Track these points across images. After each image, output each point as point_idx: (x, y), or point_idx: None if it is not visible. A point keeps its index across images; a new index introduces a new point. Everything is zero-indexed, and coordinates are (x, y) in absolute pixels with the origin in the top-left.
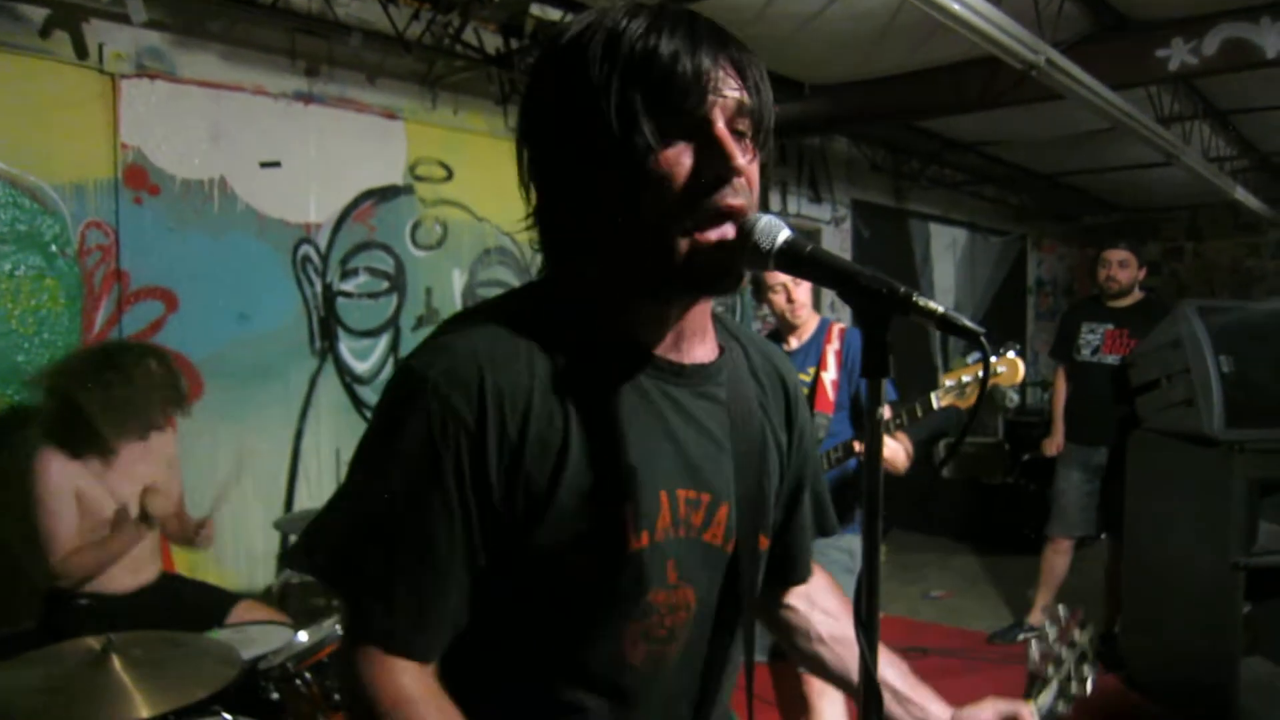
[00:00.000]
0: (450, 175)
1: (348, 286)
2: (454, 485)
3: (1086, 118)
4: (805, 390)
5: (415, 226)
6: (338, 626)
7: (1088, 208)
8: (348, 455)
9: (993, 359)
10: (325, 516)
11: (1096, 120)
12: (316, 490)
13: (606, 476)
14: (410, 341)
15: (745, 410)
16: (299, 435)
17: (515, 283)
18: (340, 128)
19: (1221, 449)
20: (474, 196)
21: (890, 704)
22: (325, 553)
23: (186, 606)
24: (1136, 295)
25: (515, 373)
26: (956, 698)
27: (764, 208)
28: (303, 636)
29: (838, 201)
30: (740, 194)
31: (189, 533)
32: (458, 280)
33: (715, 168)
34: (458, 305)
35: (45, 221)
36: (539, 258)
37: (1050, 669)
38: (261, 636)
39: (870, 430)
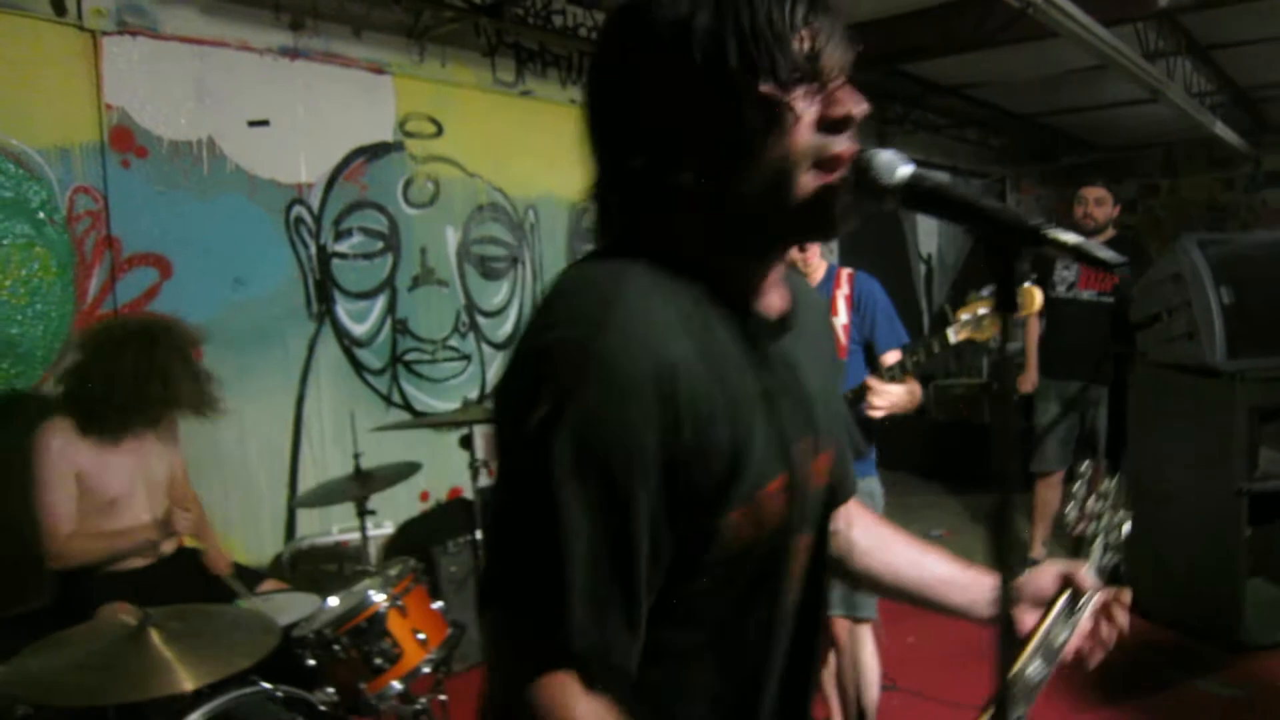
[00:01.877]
0: (440, 131)
1: (342, 247)
2: (647, 475)
3: (1071, 57)
4: None
5: (407, 184)
6: (371, 592)
7: (1065, 148)
8: (351, 419)
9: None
10: (509, 546)
11: (1081, 59)
12: (320, 457)
13: (756, 439)
14: (407, 302)
15: (820, 352)
16: (300, 401)
17: (509, 239)
18: (327, 84)
19: (1224, 379)
20: (464, 152)
21: (951, 594)
22: (520, 575)
23: (202, 582)
24: (1110, 233)
25: (673, 341)
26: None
27: None
28: (333, 601)
29: None
30: (854, 139)
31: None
32: (451, 238)
33: (835, 114)
34: (452, 264)
35: (31, 188)
36: (531, 213)
37: (1092, 526)
38: (289, 604)
39: (1003, 368)
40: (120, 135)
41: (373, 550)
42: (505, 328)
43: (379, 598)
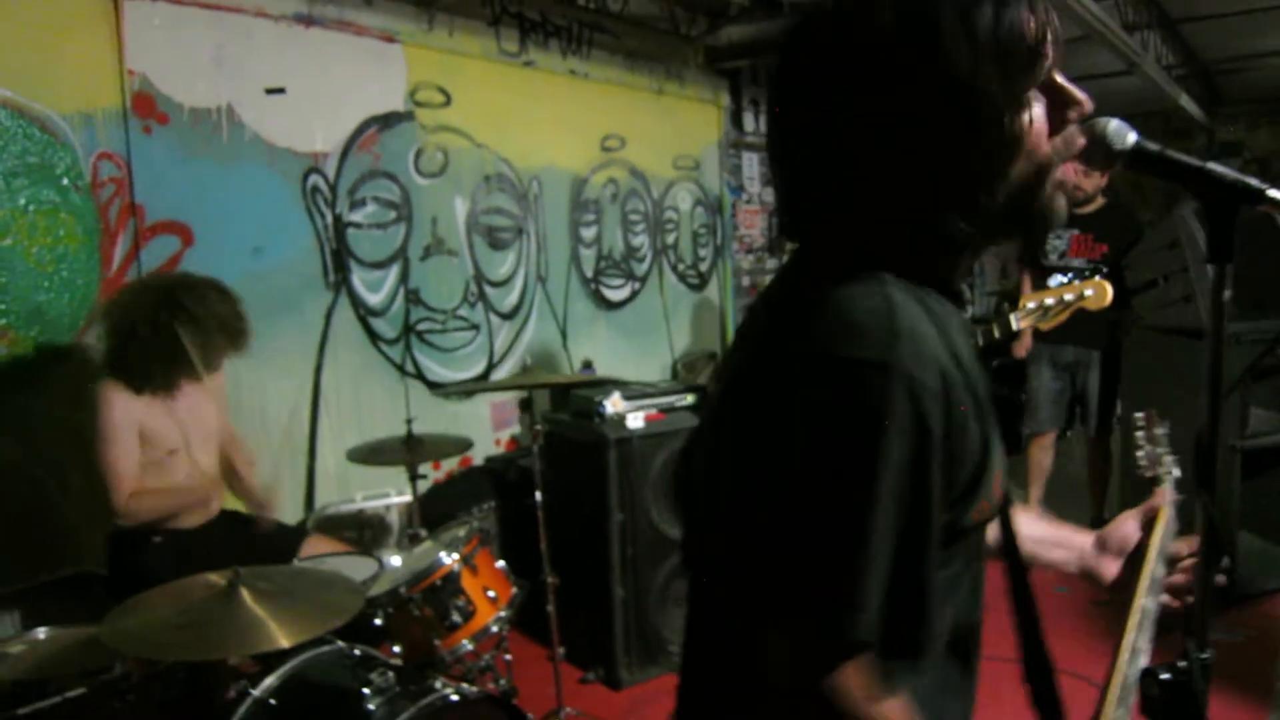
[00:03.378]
0: (449, 100)
1: (357, 217)
2: (939, 482)
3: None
4: None
5: (418, 154)
6: (443, 553)
7: None
8: (367, 390)
9: (1079, 282)
10: (800, 546)
11: (1064, 29)
12: (337, 426)
13: (993, 432)
14: (419, 272)
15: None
16: (318, 370)
17: (515, 210)
18: (341, 52)
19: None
20: (472, 122)
21: (1042, 551)
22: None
23: (257, 542)
24: (1100, 201)
25: (938, 348)
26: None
27: (740, 130)
28: (395, 561)
29: None
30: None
31: (259, 494)
32: (460, 208)
33: (1067, 112)
34: (462, 234)
35: (56, 153)
36: (535, 184)
37: (1163, 462)
38: (349, 567)
39: (1214, 316)
40: (142, 101)
41: (395, 518)
42: (511, 298)
43: (451, 557)
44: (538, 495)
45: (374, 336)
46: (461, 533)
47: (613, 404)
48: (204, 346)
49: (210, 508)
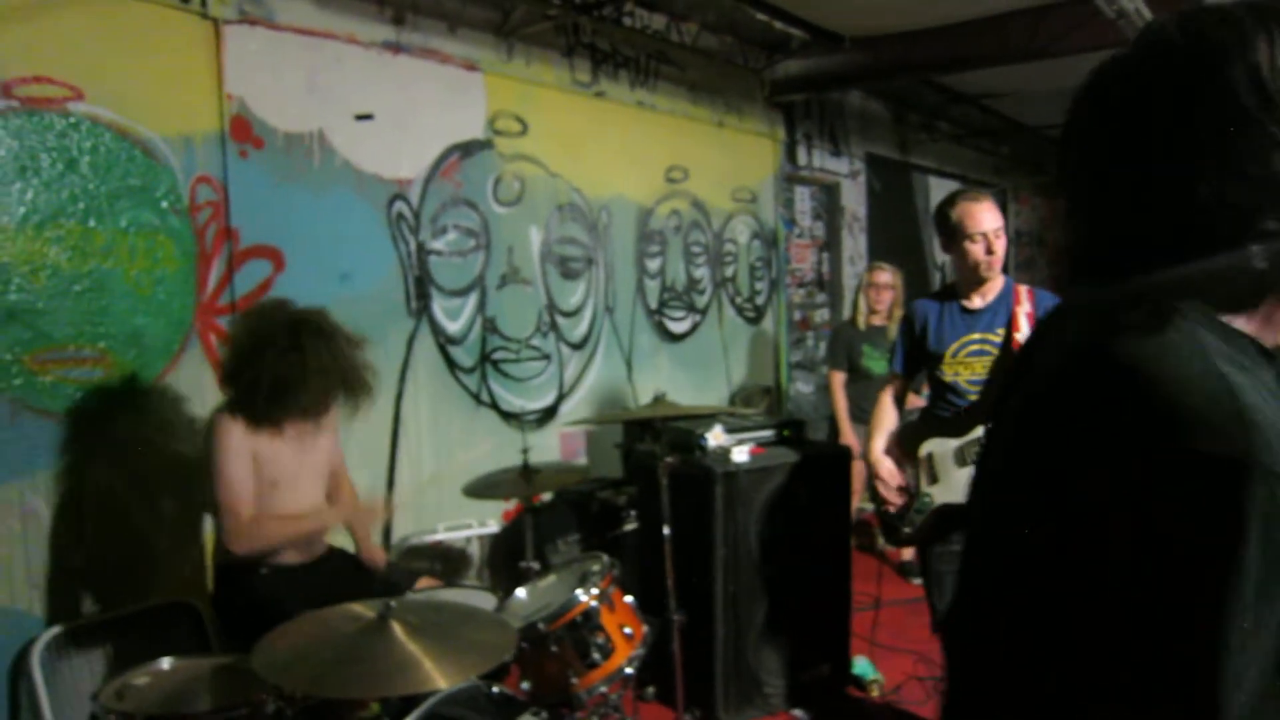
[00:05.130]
0: (525, 129)
1: (438, 244)
2: None
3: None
4: (995, 352)
5: (496, 182)
6: (579, 589)
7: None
8: (444, 418)
9: None
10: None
11: None
12: (415, 454)
13: None
14: (496, 300)
15: None
16: (399, 398)
17: (586, 239)
18: (425, 79)
19: None
20: (547, 151)
21: None
22: None
23: (365, 580)
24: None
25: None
26: None
27: (794, 164)
28: (522, 594)
29: (853, 155)
30: None
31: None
32: (535, 238)
33: None
34: (536, 264)
35: (157, 176)
36: (604, 214)
37: None
38: (472, 600)
39: None
40: (239, 125)
41: (476, 549)
42: (581, 328)
43: (590, 593)
44: (665, 530)
45: (452, 364)
46: (595, 568)
47: (714, 437)
48: (321, 392)
49: (316, 544)
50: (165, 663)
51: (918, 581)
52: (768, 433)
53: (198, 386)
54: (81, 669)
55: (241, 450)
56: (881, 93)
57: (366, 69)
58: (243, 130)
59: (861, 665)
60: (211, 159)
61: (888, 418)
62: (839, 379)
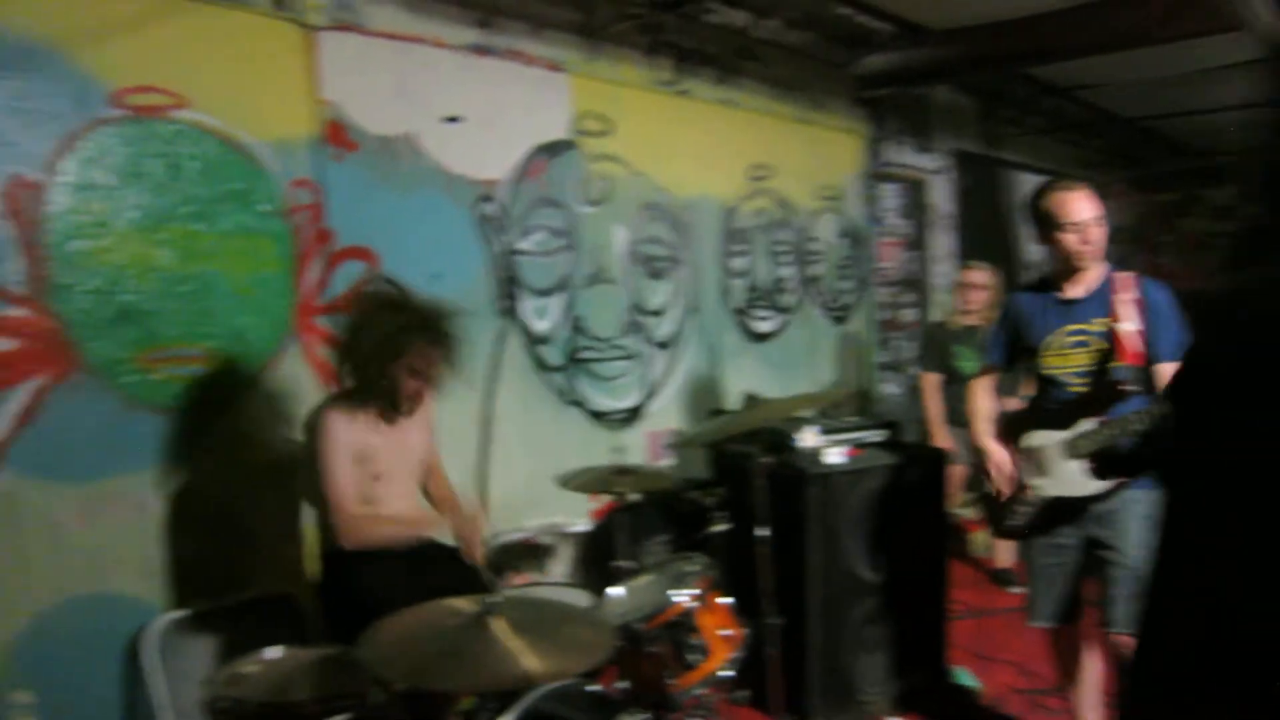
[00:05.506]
0: (610, 129)
1: (526, 244)
2: None
3: (1209, 53)
4: (1096, 342)
5: (582, 182)
6: (676, 590)
7: (1156, 153)
8: (532, 417)
9: None
10: None
11: (1222, 57)
12: (505, 452)
13: None
14: (583, 300)
15: None
16: (489, 397)
17: (671, 238)
18: (511, 81)
19: None
20: (631, 151)
21: None
22: None
23: (462, 571)
24: None
25: None
26: None
27: (879, 161)
28: (617, 593)
29: (941, 151)
30: None
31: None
32: (621, 237)
33: None
34: (622, 263)
35: (257, 180)
36: (688, 212)
37: None
38: (567, 598)
39: None
40: (334, 129)
41: (567, 548)
42: (666, 328)
43: (687, 594)
44: (761, 530)
45: (540, 364)
46: (691, 568)
47: (807, 437)
48: (429, 376)
49: (411, 539)
50: (273, 651)
51: (1015, 590)
52: (868, 434)
53: (296, 384)
54: (189, 655)
55: (347, 446)
56: (969, 86)
57: (454, 71)
58: (337, 134)
59: (961, 675)
60: (308, 163)
61: (987, 405)
62: (931, 381)
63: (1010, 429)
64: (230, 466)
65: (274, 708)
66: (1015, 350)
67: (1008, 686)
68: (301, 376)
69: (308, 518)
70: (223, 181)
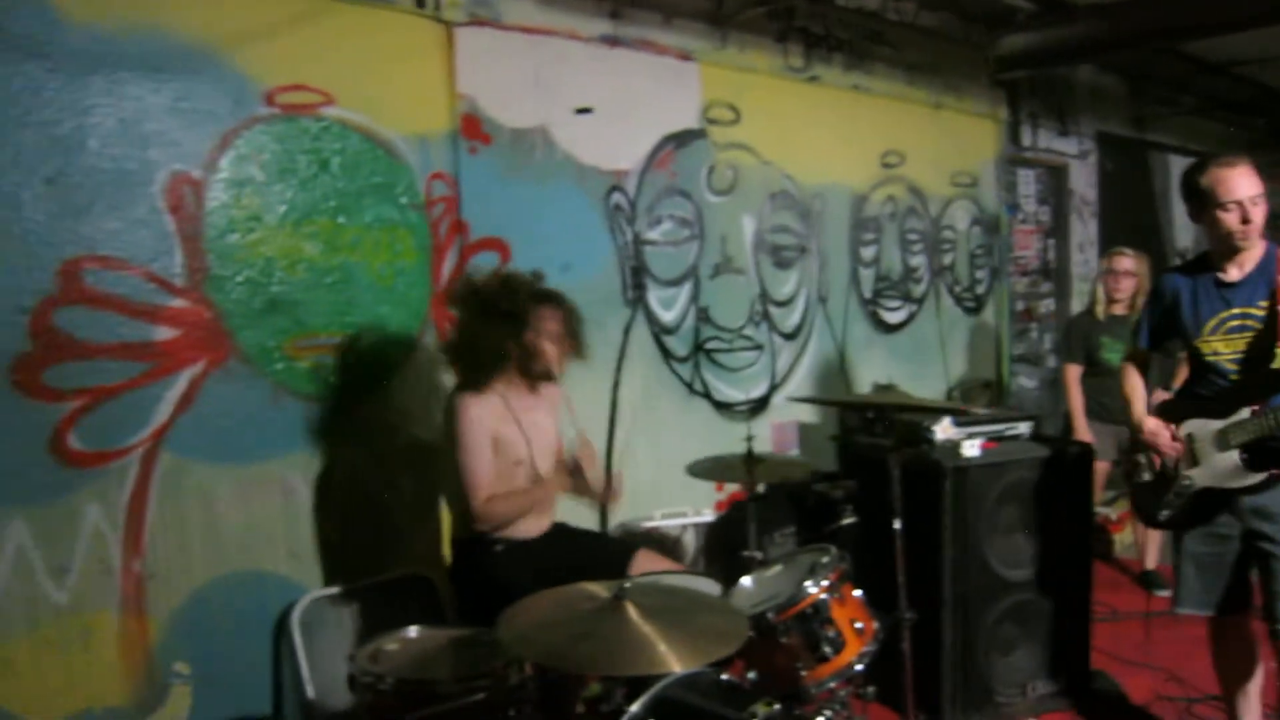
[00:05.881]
0: (738, 117)
1: (654, 234)
2: None
3: None
4: (1256, 326)
5: (710, 171)
6: (808, 581)
7: None
8: (658, 407)
9: None
10: None
11: None
12: (631, 441)
13: None
14: (709, 290)
15: None
16: (616, 386)
17: (799, 228)
18: (641, 71)
19: None
20: (759, 139)
21: None
22: None
23: (588, 554)
24: None
25: None
26: None
27: (1017, 145)
28: (748, 583)
29: (1083, 134)
30: None
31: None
32: (748, 226)
33: None
34: (749, 253)
35: (397, 173)
36: (817, 201)
37: None
38: (697, 586)
39: None
40: (469, 123)
41: (692, 538)
42: (793, 318)
43: (819, 584)
44: (897, 524)
45: (666, 354)
46: (824, 560)
47: (942, 430)
48: (559, 337)
49: (545, 519)
50: (413, 630)
51: (1163, 594)
52: (1007, 426)
53: (432, 373)
54: (332, 632)
55: (480, 431)
56: (1116, 65)
57: (586, 63)
58: (472, 127)
59: (1104, 681)
60: (445, 156)
61: (1141, 387)
62: (1074, 372)
63: (1165, 414)
64: (370, 453)
65: (414, 684)
66: (1166, 334)
67: (1154, 693)
68: (437, 365)
69: (443, 504)
70: (365, 176)
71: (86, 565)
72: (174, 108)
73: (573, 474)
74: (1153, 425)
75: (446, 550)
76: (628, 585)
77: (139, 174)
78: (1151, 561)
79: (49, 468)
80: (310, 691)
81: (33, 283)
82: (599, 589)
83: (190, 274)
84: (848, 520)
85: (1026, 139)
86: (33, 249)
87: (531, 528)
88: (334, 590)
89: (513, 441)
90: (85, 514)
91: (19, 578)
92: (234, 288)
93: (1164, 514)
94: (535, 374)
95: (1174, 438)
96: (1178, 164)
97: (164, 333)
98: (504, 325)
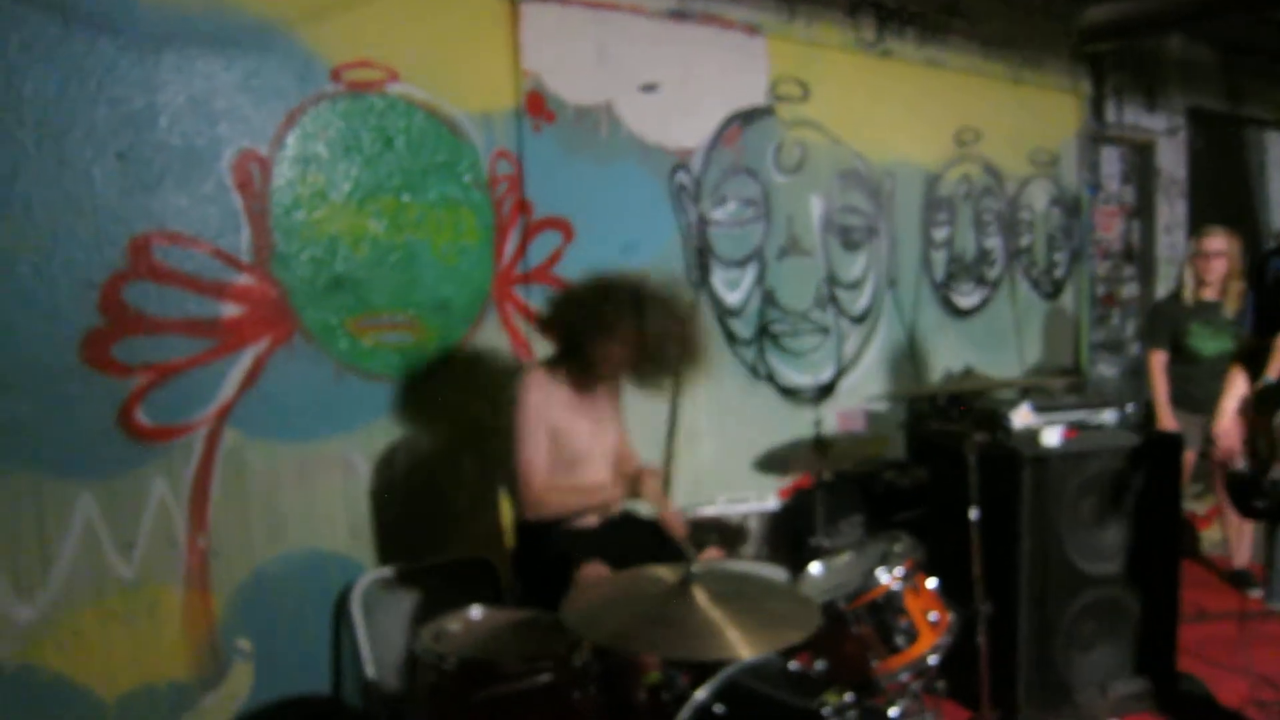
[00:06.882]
0: (807, 94)
1: (718, 214)
2: None
3: None
4: None
5: (777, 150)
6: (881, 569)
7: None
8: (722, 391)
9: None
10: None
11: None
12: (693, 426)
13: None
14: (776, 272)
15: None
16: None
17: (868, 208)
18: (707, 46)
19: None
20: (829, 116)
21: None
22: None
23: (657, 545)
24: None
25: None
26: None
27: (1100, 122)
28: (817, 571)
29: (1172, 110)
30: None
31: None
32: (816, 206)
33: None
34: (816, 234)
35: (460, 152)
36: (888, 180)
37: None
38: (764, 574)
39: None
40: (534, 100)
41: (756, 525)
42: (861, 301)
43: (892, 574)
44: (973, 513)
45: (730, 336)
46: (896, 548)
47: (1021, 417)
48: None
49: (612, 508)
50: (476, 611)
51: (1255, 594)
52: (1089, 414)
53: (494, 352)
54: (392, 612)
55: (538, 420)
56: (1209, 35)
57: (651, 38)
58: (537, 105)
59: (1191, 683)
60: (508, 134)
61: (1240, 378)
62: (1159, 359)
63: (1265, 401)
64: (431, 433)
65: (477, 664)
66: (1272, 317)
67: (1244, 697)
68: (500, 345)
69: (504, 487)
70: (429, 153)
71: (152, 540)
72: (243, 85)
73: (632, 486)
74: (1224, 426)
75: (507, 534)
76: (696, 569)
77: (208, 151)
78: (1242, 560)
79: (117, 442)
80: (370, 671)
81: (103, 258)
82: (667, 572)
83: (256, 251)
84: (916, 509)
85: (1111, 115)
86: (103, 224)
87: (594, 517)
88: (394, 570)
89: (573, 437)
90: (151, 489)
91: (87, 551)
92: (299, 265)
93: (1258, 505)
94: (595, 372)
95: (1265, 429)
96: (1277, 141)
97: (230, 309)
98: (606, 316)
